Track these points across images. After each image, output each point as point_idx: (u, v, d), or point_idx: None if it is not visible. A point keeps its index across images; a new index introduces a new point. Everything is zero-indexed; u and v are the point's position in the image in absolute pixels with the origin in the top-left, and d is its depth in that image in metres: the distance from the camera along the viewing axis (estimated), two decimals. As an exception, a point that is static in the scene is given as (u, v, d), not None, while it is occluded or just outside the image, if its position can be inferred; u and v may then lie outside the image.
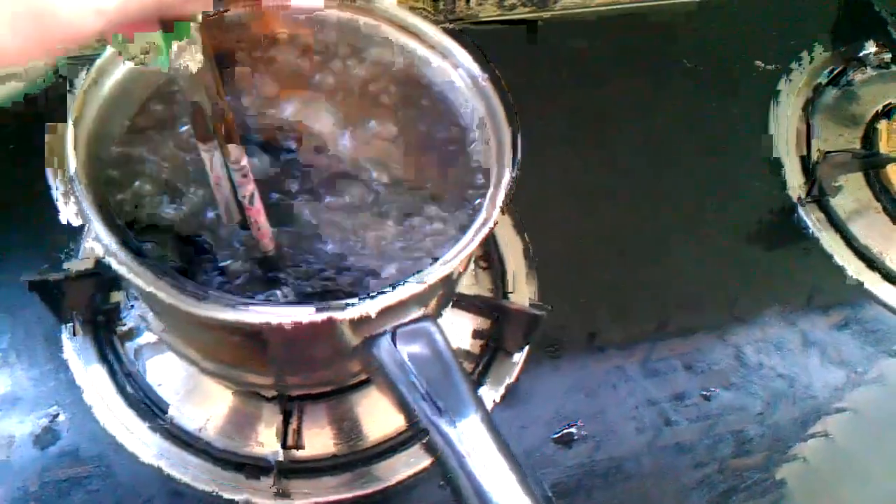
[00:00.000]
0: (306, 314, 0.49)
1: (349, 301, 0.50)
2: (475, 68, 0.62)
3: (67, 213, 0.53)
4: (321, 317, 0.49)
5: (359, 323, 0.50)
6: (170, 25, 0.47)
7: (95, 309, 0.73)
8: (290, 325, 0.49)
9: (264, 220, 0.58)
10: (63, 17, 0.39)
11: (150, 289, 0.50)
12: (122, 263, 0.51)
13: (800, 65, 0.99)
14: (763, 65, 0.99)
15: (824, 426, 0.75)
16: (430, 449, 0.51)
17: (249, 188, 0.57)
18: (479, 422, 0.50)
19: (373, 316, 0.51)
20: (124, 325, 0.74)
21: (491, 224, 0.55)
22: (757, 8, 1.05)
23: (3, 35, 0.38)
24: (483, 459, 0.49)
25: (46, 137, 0.54)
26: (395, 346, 0.52)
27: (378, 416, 0.72)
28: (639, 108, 0.94)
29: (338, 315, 0.50)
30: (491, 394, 0.74)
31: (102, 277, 0.72)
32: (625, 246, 0.84)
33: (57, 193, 0.53)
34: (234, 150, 0.55)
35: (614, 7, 1.04)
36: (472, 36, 0.65)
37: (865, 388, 0.78)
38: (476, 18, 1.01)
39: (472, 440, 0.50)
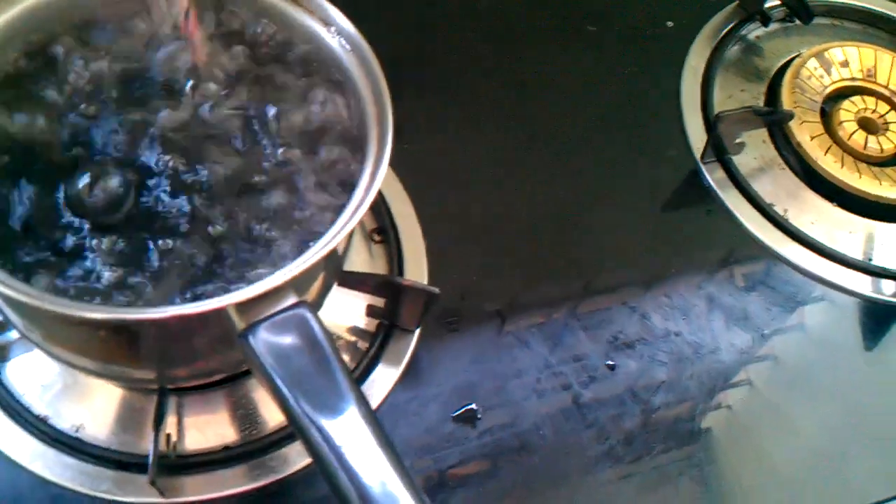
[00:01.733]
0: (181, 308, 0.46)
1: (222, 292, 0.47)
2: (353, 33, 0.59)
3: None
4: (199, 308, 0.46)
5: (231, 312, 0.47)
6: None
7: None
8: (152, 320, 0.46)
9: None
10: None
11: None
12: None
13: (709, 23, 0.97)
14: (673, 24, 0.96)
15: (725, 396, 0.74)
16: (308, 446, 0.48)
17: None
18: (357, 416, 0.47)
19: (243, 305, 0.48)
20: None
21: (369, 202, 0.52)
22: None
23: None
24: (362, 455, 0.46)
25: None
26: (269, 336, 0.48)
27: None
28: (541, 73, 0.91)
29: (207, 306, 0.47)
30: (388, 372, 0.71)
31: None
32: (526, 213, 0.82)
33: None
34: None
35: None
36: None
37: (769, 349, 0.77)
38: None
39: (350, 435, 0.47)
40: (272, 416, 0.68)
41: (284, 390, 0.47)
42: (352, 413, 0.47)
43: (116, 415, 0.67)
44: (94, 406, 0.67)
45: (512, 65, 0.91)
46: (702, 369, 0.75)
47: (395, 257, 0.75)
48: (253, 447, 0.67)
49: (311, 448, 0.47)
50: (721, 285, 0.80)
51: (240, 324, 0.49)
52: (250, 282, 0.50)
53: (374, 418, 0.48)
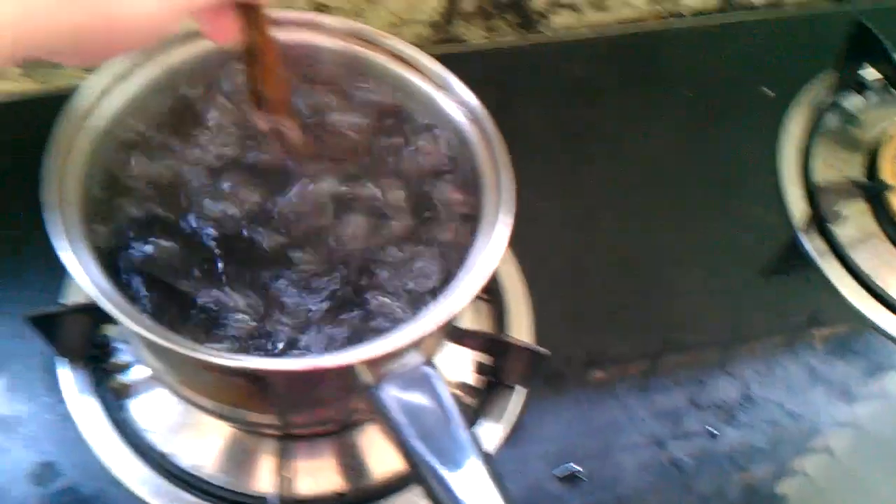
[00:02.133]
0: (310, 362, 0.49)
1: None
2: (473, 102, 0.62)
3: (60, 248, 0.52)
4: (331, 362, 0.49)
5: (362, 368, 0.51)
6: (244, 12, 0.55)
7: (90, 343, 0.73)
8: (294, 371, 0.49)
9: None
10: None
11: (145, 333, 0.50)
12: (116, 306, 0.51)
13: (805, 91, 0.98)
14: (769, 91, 0.98)
15: (823, 464, 0.74)
16: (432, 496, 0.50)
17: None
18: (478, 468, 0.50)
19: (375, 362, 0.51)
20: (118, 359, 0.74)
21: (492, 268, 0.55)
22: (762, 33, 1.05)
23: (153, 5, 0.45)
24: (483, 507, 0.49)
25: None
26: (398, 391, 0.51)
27: (384, 453, 0.71)
28: (637, 134, 0.93)
29: (344, 361, 0.50)
30: (494, 428, 0.73)
31: (98, 312, 0.72)
32: (625, 274, 0.84)
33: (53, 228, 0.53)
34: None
35: (606, 32, 1.04)
36: (460, 59, 0.65)
37: (868, 419, 0.77)
38: (462, 41, 1.01)
39: (473, 488, 0.49)
40: (381, 466, 0.71)
41: (413, 443, 0.50)
42: (475, 466, 0.50)
43: (232, 455, 0.71)
44: (212, 445, 0.71)
45: (609, 129, 0.94)
46: (801, 438, 0.75)
47: (501, 315, 0.78)
48: (362, 495, 0.70)
49: (435, 498, 0.50)
50: (820, 355, 0.80)
51: (369, 379, 0.52)
52: (377, 340, 0.53)
53: (496, 473, 0.50)
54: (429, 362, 0.53)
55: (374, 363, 0.52)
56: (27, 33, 0.42)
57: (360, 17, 0.92)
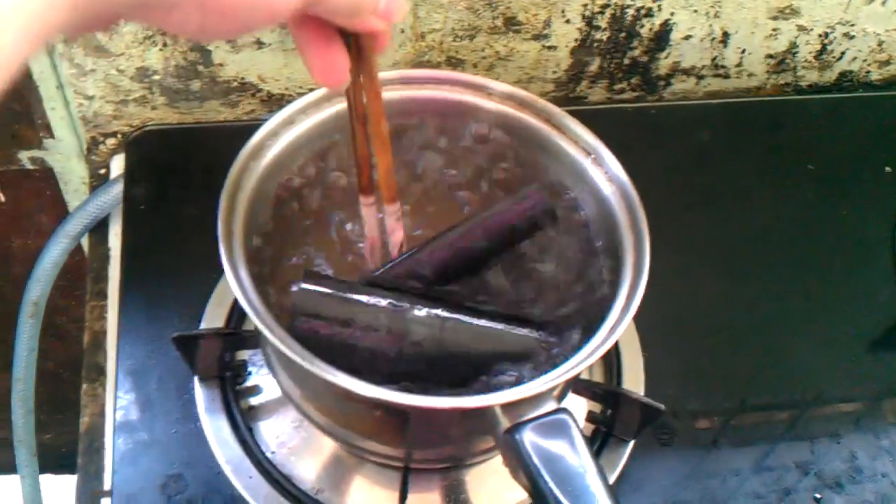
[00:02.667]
0: (460, 401, 0.52)
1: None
2: (621, 173, 0.65)
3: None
4: (477, 403, 0.52)
5: (507, 410, 0.53)
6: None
7: (224, 365, 0.77)
8: (444, 409, 0.51)
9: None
10: None
11: (305, 364, 0.53)
12: (279, 339, 0.54)
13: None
14: (891, 170, 0.99)
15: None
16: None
17: (399, 235, 0.62)
18: (614, 520, 0.52)
19: (512, 405, 0.54)
20: (249, 382, 0.78)
21: (624, 325, 0.58)
22: (882, 110, 1.07)
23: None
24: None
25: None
26: (534, 436, 0.54)
27: (488, 492, 0.74)
28: (756, 202, 0.96)
29: (492, 401, 0.53)
30: (601, 478, 0.75)
31: (234, 337, 0.76)
32: (742, 336, 0.85)
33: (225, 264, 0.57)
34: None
35: (727, 99, 1.06)
36: (581, 117, 0.67)
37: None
38: (585, 100, 1.04)
39: (607, 535, 0.51)
40: (483, 506, 0.73)
41: (549, 489, 0.52)
42: (609, 515, 0.52)
43: (352, 483, 0.74)
44: (333, 472, 0.74)
45: (728, 194, 0.96)
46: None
47: (615, 367, 0.80)
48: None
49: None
50: (928, 430, 0.81)
51: (504, 422, 0.55)
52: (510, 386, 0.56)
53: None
54: (567, 411, 0.55)
55: (511, 406, 0.55)
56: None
57: (492, 72, 0.96)
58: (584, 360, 0.56)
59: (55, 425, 1.38)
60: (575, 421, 0.55)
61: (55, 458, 1.27)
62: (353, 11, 0.47)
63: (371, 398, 0.53)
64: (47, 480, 1.25)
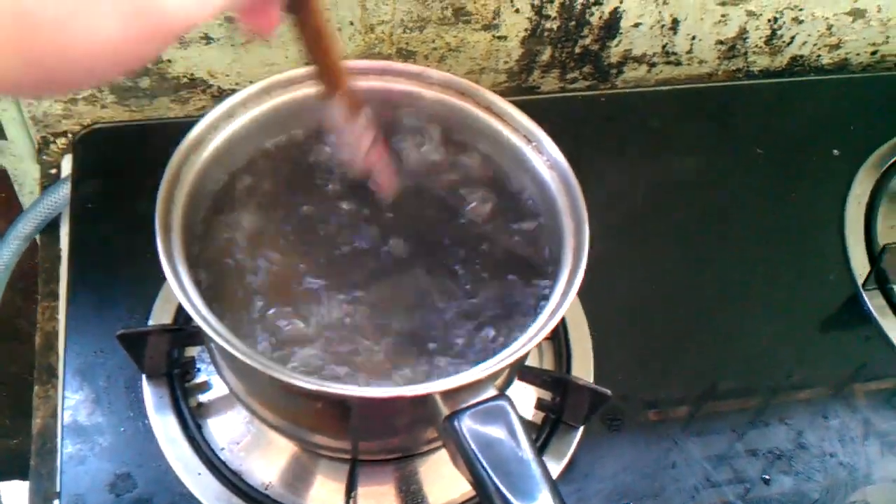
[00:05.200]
0: (398, 390, 0.52)
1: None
2: (561, 160, 0.65)
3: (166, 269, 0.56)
4: (415, 391, 0.52)
5: (447, 398, 0.53)
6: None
7: (172, 363, 0.76)
8: (382, 398, 0.51)
9: (385, 167, 0.63)
10: (167, 8, 0.38)
11: (243, 358, 0.53)
12: (216, 332, 0.54)
13: (874, 154, 1.00)
14: (839, 153, 1.00)
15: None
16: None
17: (369, 137, 0.62)
18: (551, 501, 0.52)
19: (451, 393, 0.54)
20: (198, 379, 0.77)
21: (565, 307, 0.58)
22: (832, 94, 1.08)
23: (114, 30, 0.36)
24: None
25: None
26: (473, 423, 0.54)
27: (442, 482, 0.74)
28: (706, 187, 0.96)
29: (431, 389, 0.53)
30: (551, 465, 0.75)
31: (181, 333, 0.75)
32: (689, 322, 0.86)
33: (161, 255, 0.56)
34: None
35: (680, 86, 1.06)
36: (533, 107, 0.67)
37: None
38: (537, 90, 1.04)
39: (544, 521, 0.51)
40: (439, 495, 0.73)
41: (486, 474, 0.52)
42: (546, 500, 0.52)
43: (301, 476, 0.74)
44: (281, 466, 0.74)
45: (679, 180, 0.96)
46: (855, 492, 0.76)
47: (564, 354, 0.80)
48: (421, 523, 0.72)
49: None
50: (877, 410, 0.81)
51: (445, 410, 0.55)
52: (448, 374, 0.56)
53: (566, 508, 0.52)
54: (506, 397, 0.55)
55: (451, 394, 0.55)
56: None
57: (443, 63, 0.96)
58: (521, 348, 0.56)
59: (23, 430, 1.37)
60: (514, 407, 0.55)
61: (24, 464, 1.26)
62: None
63: (310, 390, 0.53)
64: (16, 487, 1.23)
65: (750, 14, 1.01)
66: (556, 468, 0.75)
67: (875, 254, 0.90)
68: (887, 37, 1.09)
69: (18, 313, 1.19)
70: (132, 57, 0.38)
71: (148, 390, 0.75)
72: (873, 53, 1.11)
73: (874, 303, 0.88)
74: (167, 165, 0.61)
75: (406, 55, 0.95)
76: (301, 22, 0.52)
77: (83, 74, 0.38)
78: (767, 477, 0.76)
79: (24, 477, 1.33)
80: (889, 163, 0.99)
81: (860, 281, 0.89)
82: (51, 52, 0.36)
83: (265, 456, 0.74)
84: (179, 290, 0.55)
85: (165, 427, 0.74)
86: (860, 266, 0.90)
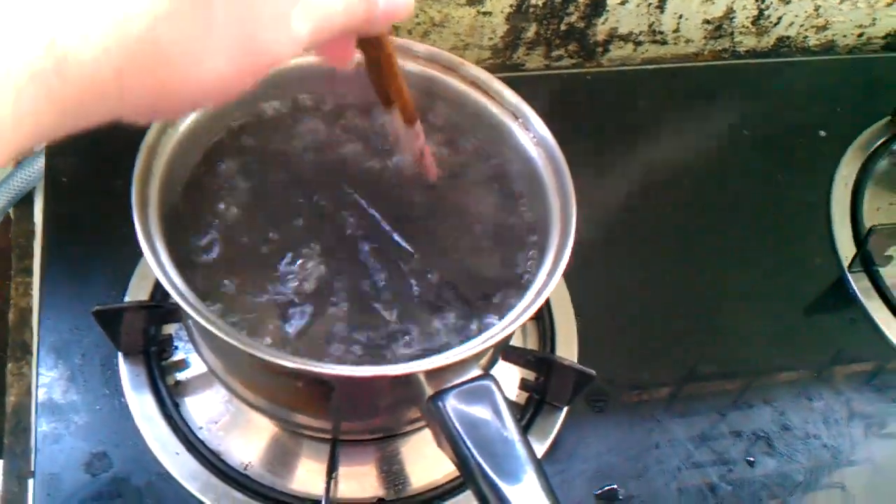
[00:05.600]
0: (381, 369, 0.51)
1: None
2: (547, 135, 0.64)
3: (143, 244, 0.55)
4: (399, 370, 0.51)
5: (430, 377, 0.52)
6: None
7: (149, 340, 0.75)
8: (365, 377, 0.50)
9: (431, 161, 0.65)
10: (265, 45, 0.42)
11: (221, 335, 0.51)
12: (186, 300, 0.53)
13: (861, 136, 1.00)
14: (826, 134, 1.00)
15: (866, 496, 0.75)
16: (485, 505, 0.51)
17: (422, 140, 0.64)
18: (535, 481, 0.51)
19: (435, 372, 0.53)
20: (175, 357, 0.76)
21: (551, 287, 0.56)
22: (818, 75, 1.07)
23: (225, 65, 0.40)
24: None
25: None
26: (457, 402, 0.53)
27: (424, 463, 0.73)
28: (692, 168, 0.95)
29: (415, 368, 0.52)
30: (535, 446, 0.74)
31: (158, 310, 0.74)
32: (675, 304, 0.85)
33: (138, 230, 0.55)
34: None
35: (665, 65, 1.06)
36: (519, 84, 0.66)
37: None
38: (522, 67, 1.03)
39: (528, 499, 0.50)
40: (418, 476, 0.73)
41: (471, 454, 0.51)
42: (531, 480, 0.51)
43: (280, 456, 0.72)
44: (261, 445, 0.73)
45: (665, 160, 0.96)
46: (838, 473, 0.76)
47: (549, 335, 0.79)
48: (403, 503, 0.71)
49: (489, 508, 0.51)
50: (861, 392, 0.81)
51: (429, 390, 0.54)
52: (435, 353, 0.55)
53: (551, 488, 0.51)
54: (491, 377, 0.54)
55: (435, 373, 0.53)
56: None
57: (427, 38, 0.95)
58: (507, 327, 0.55)
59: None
60: (499, 387, 0.54)
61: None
62: (354, 26, 0.47)
63: (290, 368, 0.52)
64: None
65: (738, -7, 1.00)
66: (539, 448, 0.74)
67: (861, 236, 0.90)
68: (874, 19, 1.08)
69: (-7, 290, 1.17)
70: (235, 88, 0.42)
71: (124, 368, 0.74)
72: (860, 35, 1.10)
73: (860, 285, 0.88)
74: (143, 138, 0.59)
75: (389, 30, 0.94)
76: (373, 55, 0.57)
77: (191, 105, 0.42)
78: (751, 458, 0.76)
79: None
80: (875, 145, 0.99)
81: (846, 263, 0.89)
82: (178, 83, 0.39)
83: (244, 435, 0.73)
84: (156, 266, 0.54)
85: (142, 405, 0.72)
86: (846, 248, 0.90)
